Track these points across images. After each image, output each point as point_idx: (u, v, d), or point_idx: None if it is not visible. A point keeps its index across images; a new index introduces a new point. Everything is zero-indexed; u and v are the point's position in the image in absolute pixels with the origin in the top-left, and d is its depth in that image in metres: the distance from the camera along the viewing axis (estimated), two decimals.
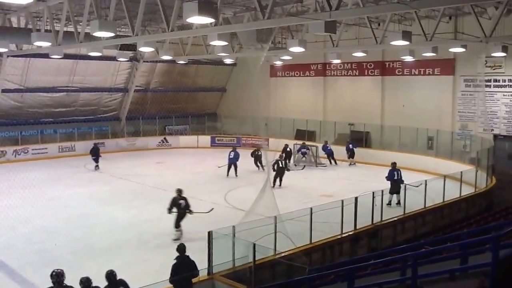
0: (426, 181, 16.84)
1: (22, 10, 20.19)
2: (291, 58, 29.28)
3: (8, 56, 26.88)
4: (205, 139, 35.01)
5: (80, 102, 33.10)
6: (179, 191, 14.98)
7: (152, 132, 35.08)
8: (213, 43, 19.58)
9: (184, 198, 14.84)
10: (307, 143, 28.63)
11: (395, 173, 18.13)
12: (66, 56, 26.99)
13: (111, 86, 33.97)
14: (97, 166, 26.26)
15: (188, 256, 9.79)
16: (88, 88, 32.79)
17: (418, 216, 16.37)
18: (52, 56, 26.10)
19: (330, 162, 27.94)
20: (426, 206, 16.70)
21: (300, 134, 31.58)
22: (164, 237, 14.92)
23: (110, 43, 19.80)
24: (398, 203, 17.25)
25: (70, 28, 18.82)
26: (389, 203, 17.33)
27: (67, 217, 17.16)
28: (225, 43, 19.53)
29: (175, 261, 9.68)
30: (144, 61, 33.22)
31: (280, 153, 25.64)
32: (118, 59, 29.54)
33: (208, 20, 12.06)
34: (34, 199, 19.53)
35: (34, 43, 19.16)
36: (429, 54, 21.92)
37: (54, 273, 8.04)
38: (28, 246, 14.27)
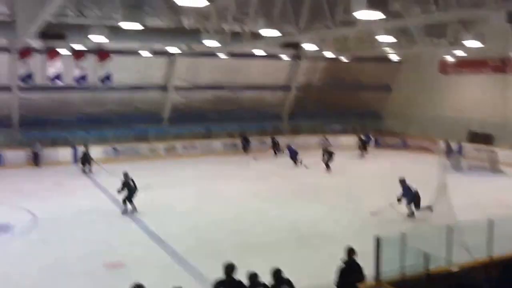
0: None
1: (192, 12, 21.07)
2: (464, 54, 26.78)
3: (179, 55, 28.55)
4: None
5: (244, 100, 34.06)
6: (126, 174, 17.14)
7: (312, 130, 34.85)
8: (380, 38, 18.73)
9: (132, 179, 17.09)
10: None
11: (408, 187, 17.01)
12: (232, 55, 27.85)
13: (273, 84, 34.47)
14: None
15: (355, 260, 9.34)
16: (251, 86, 33.63)
17: None
18: (219, 55, 27.07)
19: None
20: None
21: (474, 136, 28.76)
22: (325, 237, 14.69)
23: (274, 42, 19.88)
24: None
25: (236, 28, 19.20)
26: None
27: (230, 212, 17.61)
28: (392, 38, 18.58)
29: (343, 265, 9.25)
30: (307, 59, 33.11)
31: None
32: (281, 57, 29.83)
33: (377, 14, 11.26)
34: (201, 192, 20.48)
35: (203, 43, 19.87)
36: None
37: (227, 265, 8.06)
38: (194, 236, 14.94)
